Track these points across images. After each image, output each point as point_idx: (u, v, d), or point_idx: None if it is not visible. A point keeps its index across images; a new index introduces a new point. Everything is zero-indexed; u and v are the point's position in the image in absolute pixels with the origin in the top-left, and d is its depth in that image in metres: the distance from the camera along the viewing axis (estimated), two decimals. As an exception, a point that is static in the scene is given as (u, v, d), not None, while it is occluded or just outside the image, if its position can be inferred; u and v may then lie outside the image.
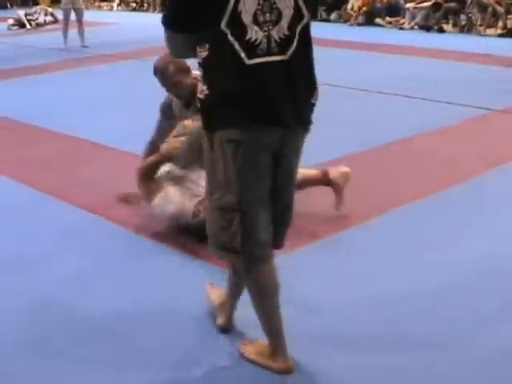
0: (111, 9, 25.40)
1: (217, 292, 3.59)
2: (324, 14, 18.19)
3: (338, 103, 8.26)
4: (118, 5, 25.42)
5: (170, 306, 3.74)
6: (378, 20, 16.66)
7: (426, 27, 15.85)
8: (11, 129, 7.87)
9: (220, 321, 3.46)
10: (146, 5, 24.07)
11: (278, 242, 3.11)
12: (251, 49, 2.72)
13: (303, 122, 2.94)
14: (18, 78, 11.09)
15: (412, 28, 16.20)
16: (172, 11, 2.83)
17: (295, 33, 2.79)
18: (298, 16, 2.78)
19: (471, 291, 3.85)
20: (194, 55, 2.88)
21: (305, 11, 2.81)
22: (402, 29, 16.27)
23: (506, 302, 3.72)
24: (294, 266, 3.96)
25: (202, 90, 2.82)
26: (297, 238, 4.03)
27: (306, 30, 2.83)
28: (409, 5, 16.70)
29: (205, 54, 2.79)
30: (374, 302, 3.73)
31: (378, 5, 16.90)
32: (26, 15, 19.39)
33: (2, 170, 6.26)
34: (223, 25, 2.69)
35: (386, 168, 6.02)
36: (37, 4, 21.13)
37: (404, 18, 16.66)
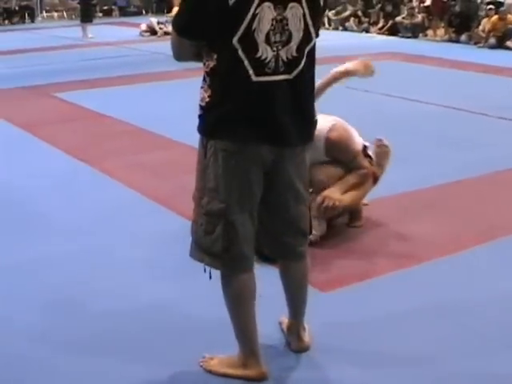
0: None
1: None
2: (453, 36, 17.85)
3: (453, 126, 8.17)
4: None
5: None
6: (509, 43, 16.21)
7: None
8: (129, 133, 8.11)
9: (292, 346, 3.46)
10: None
11: (289, 254, 3.24)
12: (260, 67, 2.80)
13: (303, 139, 3.04)
14: (142, 83, 11.41)
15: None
16: (185, 17, 2.85)
17: (303, 54, 2.89)
18: (307, 38, 2.88)
19: None
20: (196, 60, 2.96)
21: (313, 34, 2.91)
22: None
23: None
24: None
25: (204, 97, 2.90)
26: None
27: (312, 51, 2.94)
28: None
29: (212, 64, 2.84)
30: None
31: (510, 26, 16.42)
32: (158, 23, 19.93)
33: (114, 173, 6.45)
34: (235, 40, 2.75)
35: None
36: (170, 12, 21.67)
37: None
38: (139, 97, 10.34)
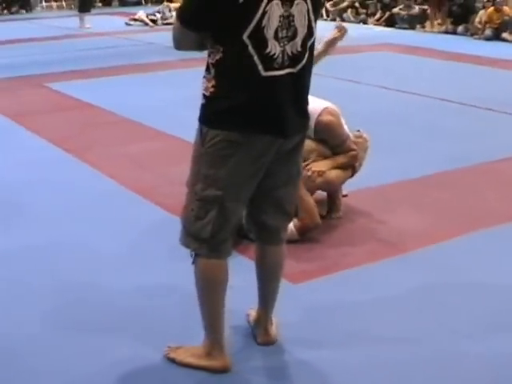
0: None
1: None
2: (451, 27, 17.79)
3: (444, 118, 8.17)
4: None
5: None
6: (504, 35, 16.15)
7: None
8: (116, 124, 8.11)
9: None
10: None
11: (268, 237, 3.30)
12: (269, 62, 2.87)
13: (302, 129, 3.16)
14: (135, 74, 11.40)
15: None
16: (192, 8, 2.87)
17: (306, 49, 2.98)
18: (309, 33, 2.98)
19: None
20: (197, 50, 3.01)
21: (315, 30, 3.01)
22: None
23: None
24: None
25: (208, 87, 2.94)
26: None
27: (312, 45, 3.05)
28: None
29: (218, 56, 2.88)
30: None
31: (506, 17, 16.36)
32: (147, 15, 19.87)
33: (97, 163, 6.45)
34: (245, 36, 2.81)
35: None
36: (170, 1, 21.59)
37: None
38: (131, 87, 10.32)
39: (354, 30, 18.07)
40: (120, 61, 12.77)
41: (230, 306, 3.22)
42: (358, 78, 10.77)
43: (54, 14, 25.10)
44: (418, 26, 18.84)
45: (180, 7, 2.96)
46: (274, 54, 2.86)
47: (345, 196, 5.26)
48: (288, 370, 3.32)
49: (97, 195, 5.63)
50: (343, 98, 7.86)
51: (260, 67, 2.85)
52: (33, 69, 12.00)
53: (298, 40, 2.92)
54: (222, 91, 2.91)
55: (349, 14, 20.93)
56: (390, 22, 19.33)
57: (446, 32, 17.73)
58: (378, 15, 20.08)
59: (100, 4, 27.26)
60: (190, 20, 2.88)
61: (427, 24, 18.80)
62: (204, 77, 2.97)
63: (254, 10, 2.78)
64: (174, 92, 9.57)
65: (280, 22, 2.84)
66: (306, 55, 2.99)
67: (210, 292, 3.15)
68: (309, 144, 4.81)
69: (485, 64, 12.38)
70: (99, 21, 20.05)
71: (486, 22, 16.58)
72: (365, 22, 20.28)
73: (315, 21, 3.00)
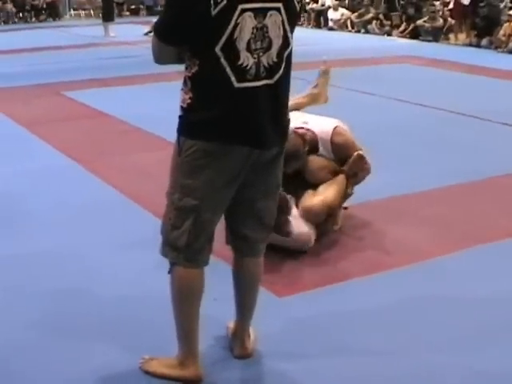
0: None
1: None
2: (475, 40, 17.70)
3: (456, 131, 8.13)
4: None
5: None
6: (528, 48, 16.05)
7: None
8: (127, 133, 8.15)
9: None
10: (302, 19, 24.28)
11: (247, 249, 3.30)
12: (241, 73, 2.89)
13: (280, 140, 3.13)
14: (151, 83, 11.37)
15: None
16: (167, 22, 2.92)
17: (282, 59, 2.98)
18: (285, 44, 2.98)
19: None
20: (176, 63, 3.03)
21: (291, 40, 3.01)
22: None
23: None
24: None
25: (185, 99, 2.98)
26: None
27: (289, 55, 3.03)
28: None
29: (194, 69, 2.92)
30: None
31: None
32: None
33: (103, 172, 6.48)
34: (217, 49, 2.84)
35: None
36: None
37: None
38: (146, 96, 10.37)
39: (378, 42, 18.31)
40: (138, 70, 12.76)
41: (214, 315, 3.29)
42: (374, 90, 10.73)
43: (82, 22, 25.36)
44: (442, 38, 18.78)
45: (156, 21, 3.00)
46: (247, 66, 2.88)
47: (345, 209, 5.25)
48: (262, 382, 3.32)
49: (98, 204, 5.66)
50: (352, 110, 7.91)
51: (233, 79, 2.88)
52: (52, 77, 12.13)
53: (274, 51, 2.94)
54: (198, 103, 2.94)
55: (373, 25, 20.92)
56: (415, 34, 19.28)
57: (470, 45, 17.67)
58: (402, 27, 20.02)
59: (128, 13, 27.51)
60: (166, 34, 2.93)
61: (451, 36, 18.73)
62: (182, 89, 3.02)
63: (226, 22, 2.81)
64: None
65: (253, 33, 2.86)
66: (283, 66, 2.99)
67: (185, 302, 3.16)
68: (320, 161, 4.90)
69: (505, 77, 12.28)
70: (125, 29, 20.27)
71: (510, 35, 16.47)
72: (389, 34, 20.26)
73: (291, 31, 3.00)
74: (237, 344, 3.43)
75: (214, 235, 3.18)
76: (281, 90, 3.03)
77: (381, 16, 21.06)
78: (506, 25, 16.93)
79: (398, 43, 18.45)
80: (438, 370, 3.36)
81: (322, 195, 4.76)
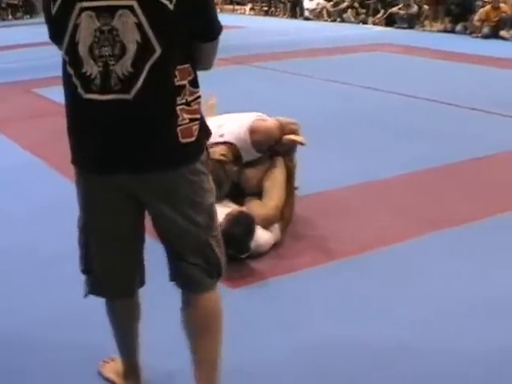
0: (244, 12, 25.74)
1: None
2: (449, 26, 17.73)
3: (424, 118, 8.11)
4: (251, 9, 25.74)
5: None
6: (502, 33, 16.05)
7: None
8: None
9: None
10: (277, 9, 24.26)
11: (186, 282, 2.72)
12: (87, 83, 2.43)
13: (160, 164, 2.51)
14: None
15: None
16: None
17: (142, 70, 2.39)
18: (145, 51, 2.39)
19: None
20: None
21: (156, 45, 2.38)
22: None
23: None
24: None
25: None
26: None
27: (159, 67, 2.41)
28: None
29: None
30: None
31: (504, 15, 16.25)
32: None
33: (66, 169, 6.39)
34: (63, 52, 2.49)
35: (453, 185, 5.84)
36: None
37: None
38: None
39: (353, 30, 18.29)
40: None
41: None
42: (346, 79, 10.71)
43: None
44: (417, 25, 18.81)
45: None
46: (91, 75, 2.41)
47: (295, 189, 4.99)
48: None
49: (59, 200, 5.61)
50: (322, 99, 7.90)
51: (79, 89, 2.44)
52: (23, 74, 12.06)
53: (128, 58, 2.38)
54: (66, 117, 2.59)
55: (349, 14, 20.93)
56: (390, 22, 19.29)
57: (445, 31, 17.69)
58: (380, 14, 20.01)
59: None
60: (49, 36, 2.60)
61: (426, 23, 18.75)
62: None
63: (65, 23, 2.42)
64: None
65: (96, 36, 2.38)
66: (143, 78, 2.40)
67: (113, 327, 2.95)
68: (250, 172, 4.71)
69: (479, 62, 12.30)
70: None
71: (483, 20, 16.50)
72: (365, 22, 20.29)
73: (161, 36, 2.39)
74: None
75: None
76: (145, 109, 2.44)
77: (356, 4, 21.08)
78: (480, 10, 16.96)
79: (373, 31, 18.45)
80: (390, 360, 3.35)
81: (273, 201, 4.63)
